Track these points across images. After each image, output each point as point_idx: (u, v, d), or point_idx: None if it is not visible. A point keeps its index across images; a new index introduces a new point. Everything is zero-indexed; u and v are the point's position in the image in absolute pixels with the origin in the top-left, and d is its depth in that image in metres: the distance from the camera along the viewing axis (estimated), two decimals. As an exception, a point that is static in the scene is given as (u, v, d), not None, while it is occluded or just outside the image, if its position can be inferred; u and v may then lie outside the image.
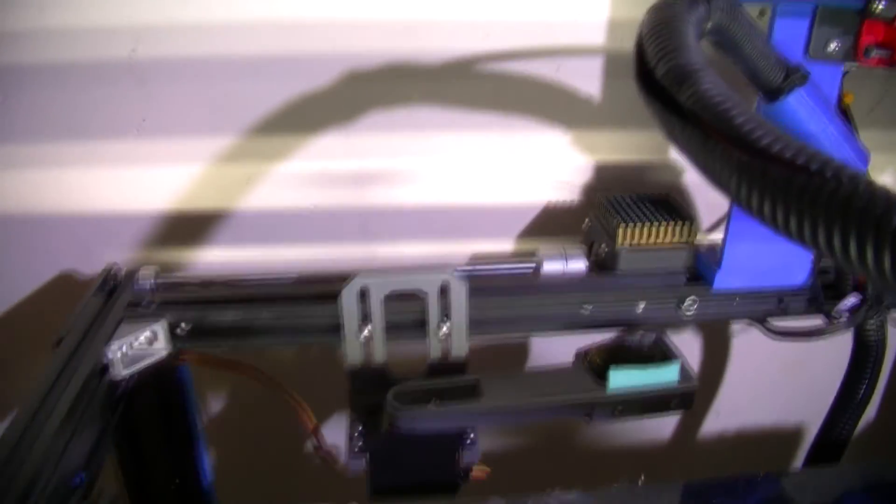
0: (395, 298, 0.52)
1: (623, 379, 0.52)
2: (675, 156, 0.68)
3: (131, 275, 0.56)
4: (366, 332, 0.52)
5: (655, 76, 0.34)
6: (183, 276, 0.58)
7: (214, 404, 0.70)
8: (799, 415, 0.83)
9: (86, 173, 0.62)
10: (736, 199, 0.29)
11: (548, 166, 0.67)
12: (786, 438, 0.85)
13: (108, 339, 0.49)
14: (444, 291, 0.52)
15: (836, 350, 0.65)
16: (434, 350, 0.54)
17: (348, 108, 0.62)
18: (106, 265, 0.58)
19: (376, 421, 0.52)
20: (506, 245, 0.69)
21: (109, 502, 0.41)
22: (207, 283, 0.56)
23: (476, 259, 0.69)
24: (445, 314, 0.53)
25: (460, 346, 0.54)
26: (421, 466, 0.52)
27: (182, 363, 0.55)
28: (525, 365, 0.74)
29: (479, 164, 0.66)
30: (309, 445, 0.56)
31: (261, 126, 0.61)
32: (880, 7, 0.46)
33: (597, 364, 0.54)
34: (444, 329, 0.53)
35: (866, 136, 0.54)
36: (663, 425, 0.84)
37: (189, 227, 0.64)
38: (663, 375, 0.53)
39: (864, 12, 0.47)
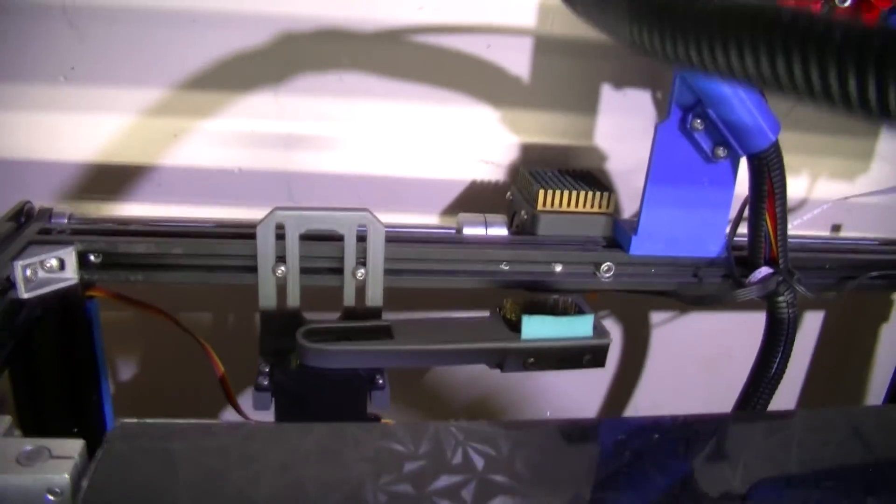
0: (313, 239, 0.52)
1: (537, 327, 0.52)
2: (600, 141, 0.70)
3: (46, 210, 0.55)
4: (280, 271, 0.52)
5: None
6: (99, 217, 0.57)
7: (121, 344, 0.68)
8: (718, 408, 0.84)
9: (8, 117, 0.61)
10: (631, 43, 0.29)
11: (475, 143, 0.68)
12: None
13: (15, 258, 0.48)
14: (362, 235, 0.53)
15: (755, 346, 0.66)
16: (349, 295, 0.54)
17: (279, 69, 0.63)
18: (19, 201, 0.56)
19: (285, 361, 0.51)
20: (430, 219, 0.70)
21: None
22: (124, 222, 0.56)
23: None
24: (362, 259, 0.53)
25: (376, 293, 0.54)
26: (328, 410, 0.51)
27: (90, 298, 0.53)
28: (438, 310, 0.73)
29: (407, 135, 0.67)
30: (217, 393, 0.55)
31: (191, 81, 0.62)
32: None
33: (512, 316, 0.54)
34: (360, 274, 0.53)
35: (784, 137, 0.56)
36: (582, 415, 0.84)
37: (111, 179, 0.64)
38: (577, 328, 0.53)
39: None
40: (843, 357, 0.87)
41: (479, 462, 0.38)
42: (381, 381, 0.52)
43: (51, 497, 0.34)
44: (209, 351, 0.55)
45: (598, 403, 0.85)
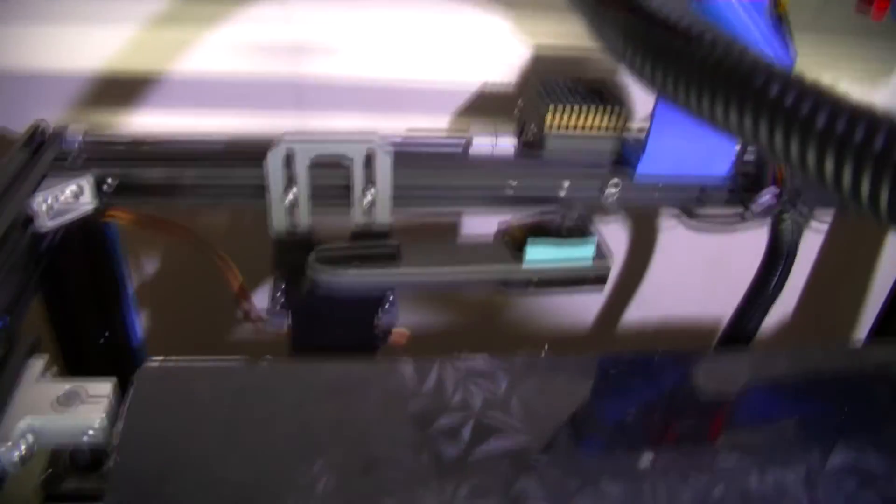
0: (321, 165, 0.53)
1: (539, 253, 0.54)
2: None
3: (59, 132, 0.56)
4: (290, 197, 0.53)
5: None
6: (111, 135, 0.58)
7: (144, 263, 0.71)
8: (717, 308, 0.87)
9: (16, 30, 0.60)
10: (623, 60, 0.30)
11: (487, 46, 0.67)
12: (704, 329, 0.89)
13: (33, 192, 0.49)
14: (369, 160, 0.53)
15: (756, 249, 0.67)
16: (357, 217, 0.55)
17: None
18: (33, 122, 0.57)
19: (299, 282, 0.54)
20: (440, 122, 0.70)
21: (30, 345, 0.42)
22: (136, 143, 0.56)
23: (408, 133, 0.70)
24: (370, 182, 0.54)
25: (383, 215, 0.55)
26: (341, 326, 0.54)
27: (110, 220, 0.55)
28: (446, 231, 0.75)
29: (418, 39, 0.66)
30: (236, 306, 0.58)
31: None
32: None
33: (516, 238, 0.55)
34: (369, 197, 0.54)
35: (803, 41, 0.55)
36: (587, 309, 0.87)
37: (121, 89, 0.64)
38: (579, 252, 0.55)
39: None
40: (838, 280, 0.89)
41: (478, 400, 0.41)
42: (391, 300, 0.54)
43: (87, 436, 0.38)
44: (227, 264, 0.57)
45: (599, 306, 0.88)
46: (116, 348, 0.59)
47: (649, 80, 0.28)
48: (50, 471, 0.40)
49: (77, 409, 0.38)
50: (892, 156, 0.20)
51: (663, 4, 0.29)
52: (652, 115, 0.58)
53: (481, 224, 0.64)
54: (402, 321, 0.57)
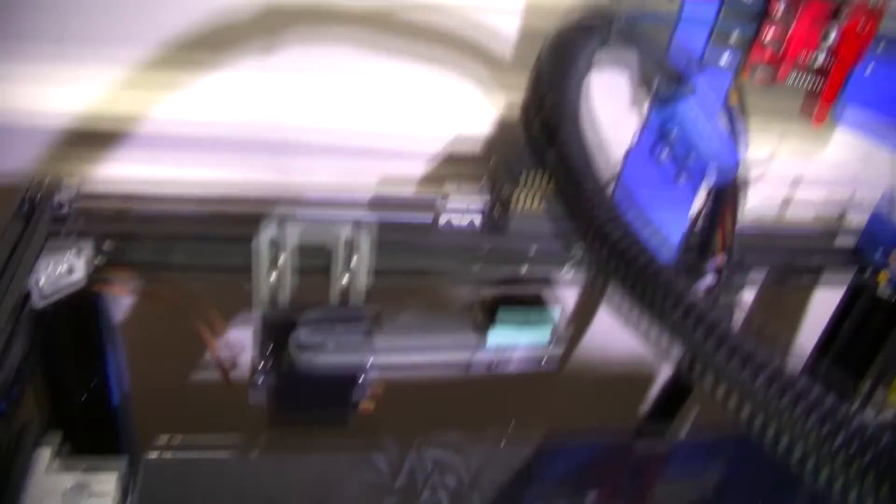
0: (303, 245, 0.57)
1: (502, 337, 0.59)
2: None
3: (48, 195, 0.58)
4: (273, 277, 0.57)
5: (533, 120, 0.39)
6: (102, 196, 0.60)
7: (132, 332, 0.73)
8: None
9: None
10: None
11: (459, 112, 0.71)
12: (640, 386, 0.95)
13: (30, 269, 0.52)
14: (348, 243, 0.57)
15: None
16: (335, 295, 0.59)
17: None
18: (28, 180, 0.59)
19: (275, 358, 0.58)
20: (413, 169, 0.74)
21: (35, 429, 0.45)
22: (127, 210, 0.60)
23: (380, 196, 0.74)
24: (348, 263, 0.58)
25: (359, 294, 0.60)
26: (316, 401, 0.59)
27: (101, 291, 0.58)
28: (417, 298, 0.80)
29: (397, 98, 0.70)
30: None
31: (181, 44, 0.63)
32: (768, 36, 0.51)
33: (480, 318, 0.60)
34: (346, 279, 0.59)
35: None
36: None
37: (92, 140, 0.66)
38: (538, 336, 0.60)
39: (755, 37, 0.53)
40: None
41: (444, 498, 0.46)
42: (362, 379, 0.59)
43: (95, 529, 0.41)
44: (207, 336, 0.60)
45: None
46: (97, 409, 0.62)
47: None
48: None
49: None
50: None
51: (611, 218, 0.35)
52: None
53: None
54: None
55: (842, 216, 0.85)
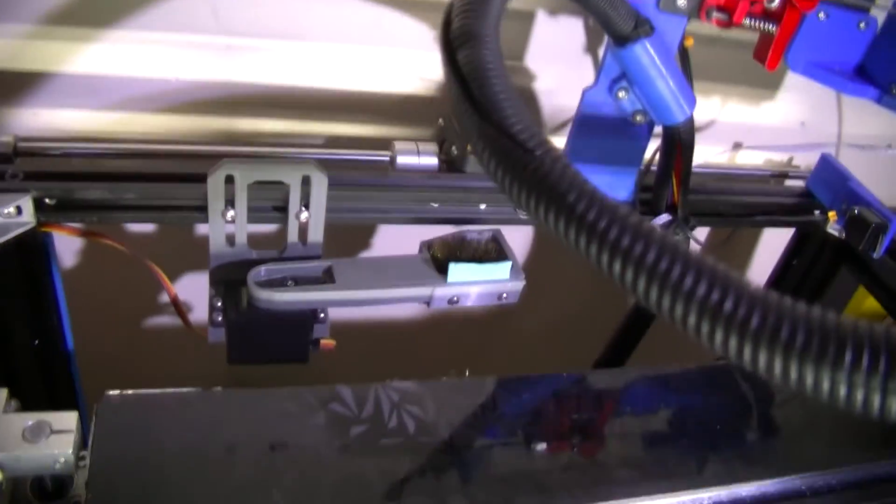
0: (259, 185, 0.56)
1: (462, 273, 0.59)
2: (531, 62, 0.73)
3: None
4: (230, 215, 0.56)
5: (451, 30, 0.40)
6: (43, 141, 0.58)
7: (77, 273, 0.72)
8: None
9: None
10: (475, 155, 0.37)
11: (410, 58, 0.70)
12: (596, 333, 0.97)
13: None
14: (305, 181, 0.57)
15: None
16: (293, 234, 0.59)
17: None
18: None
19: (234, 295, 0.57)
20: (362, 129, 0.73)
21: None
22: (70, 154, 0.58)
23: (333, 141, 0.73)
24: (305, 203, 0.58)
25: (317, 233, 0.59)
26: (276, 338, 0.58)
27: (46, 233, 0.56)
28: (373, 246, 0.80)
29: (345, 46, 0.68)
30: (168, 316, 0.61)
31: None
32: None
33: (439, 257, 0.61)
34: (304, 216, 0.58)
35: (698, 64, 0.62)
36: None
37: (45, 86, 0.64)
38: (497, 272, 0.61)
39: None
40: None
41: (411, 425, 0.47)
42: (322, 315, 0.59)
43: (57, 466, 0.41)
44: (160, 275, 0.59)
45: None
46: (47, 355, 0.61)
47: (492, 174, 0.36)
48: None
49: (46, 443, 0.41)
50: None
51: (513, 114, 0.35)
52: (566, 146, 0.64)
53: (401, 230, 0.69)
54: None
55: (790, 160, 0.87)
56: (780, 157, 0.87)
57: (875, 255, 0.67)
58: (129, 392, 0.45)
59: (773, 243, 0.89)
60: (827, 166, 0.74)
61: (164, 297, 0.78)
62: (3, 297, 0.57)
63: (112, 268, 0.71)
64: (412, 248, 0.62)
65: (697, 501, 0.46)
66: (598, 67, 0.59)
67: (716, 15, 0.56)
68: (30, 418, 0.42)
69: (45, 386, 0.62)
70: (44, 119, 0.65)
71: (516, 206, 0.35)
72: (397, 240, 0.74)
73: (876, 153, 0.85)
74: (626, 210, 0.32)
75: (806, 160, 0.85)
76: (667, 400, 0.58)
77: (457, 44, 0.40)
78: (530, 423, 0.51)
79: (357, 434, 0.46)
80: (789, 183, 0.83)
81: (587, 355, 0.90)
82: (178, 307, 0.61)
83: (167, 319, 0.81)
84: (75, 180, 0.55)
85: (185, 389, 0.46)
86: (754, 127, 0.85)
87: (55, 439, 0.41)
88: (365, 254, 0.77)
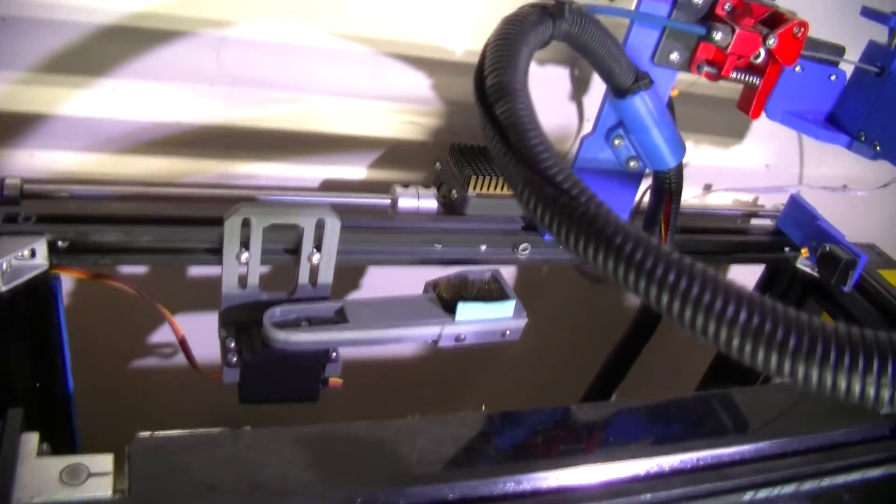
0: (272, 228, 0.57)
1: (469, 312, 0.61)
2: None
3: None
4: (244, 258, 0.57)
5: (485, 86, 0.43)
6: (49, 187, 0.58)
7: (84, 314, 0.71)
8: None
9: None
10: (520, 204, 0.39)
11: (406, 106, 0.73)
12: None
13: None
14: (319, 224, 0.58)
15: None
16: (303, 276, 0.60)
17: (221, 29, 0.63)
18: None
19: (248, 336, 0.58)
20: (358, 173, 0.75)
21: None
22: (77, 197, 0.58)
23: (330, 185, 0.74)
24: (317, 245, 0.59)
25: (327, 274, 0.60)
26: (289, 378, 0.59)
27: (55, 274, 0.56)
28: (374, 286, 0.81)
29: (342, 95, 0.70)
30: (175, 359, 0.61)
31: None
32: (718, 36, 0.56)
33: (444, 296, 0.63)
34: (315, 258, 0.59)
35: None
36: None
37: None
38: (502, 310, 0.63)
39: (704, 37, 0.57)
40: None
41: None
42: (334, 355, 0.60)
43: (96, 510, 0.41)
44: (168, 316, 0.60)
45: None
46: (47, 397, 0.60)
47: (540, 223, 0.39)
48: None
49: (86, 485, 0.41)
50: None
51: (553, 164, 0.38)
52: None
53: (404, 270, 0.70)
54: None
55: (755, 200, 0.93)
56: (746, 197, 0.92)
57: (846, 289, 0.71)
58: (161, 434, 0.45)
59: (743, 279, 0.94)
60: (796, 206, 0.79)
61: (156, 338, 0.78)
62: (10, 340, 0.56)
63: (108, 307, 0.71)
64: (410, 287, 0.64)
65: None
66: (596, 117, 0.63)
67: (706, 69, 0.60)
68: (65, 461, 0.42)
69: (45, 428, 0.61)
70: (42, 160, 0.65)
71: (564, 247, 0.37)
72: (396, 279, 0.76)
73: (834, 193, 0.91)
74: (668, 249, 0.34)
75: (772, 200, 0.90)
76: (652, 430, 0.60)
77: (493, 98, 0.42)
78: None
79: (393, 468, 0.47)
80: (757, 222, 0.88)
81: (573, 390, 0.93)
82: (186, 348, 0.61)
83: (154, 361, 0.80)
84: (87, 223, 0.55)
85: (214, 430, 0.46)
86: (723, 169, 0.90)
87: (93, 482, 0.41)
88: (367, 293, 0.79)
